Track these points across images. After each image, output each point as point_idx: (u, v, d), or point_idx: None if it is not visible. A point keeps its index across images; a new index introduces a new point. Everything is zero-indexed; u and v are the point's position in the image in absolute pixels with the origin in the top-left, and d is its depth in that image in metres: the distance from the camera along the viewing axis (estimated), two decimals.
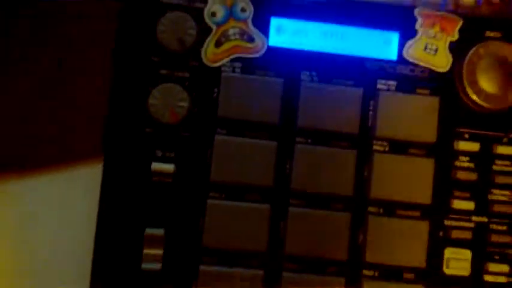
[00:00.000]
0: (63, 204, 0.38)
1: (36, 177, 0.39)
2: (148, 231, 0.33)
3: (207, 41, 0.34)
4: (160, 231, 0.33)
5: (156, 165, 0.34)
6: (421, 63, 0.35)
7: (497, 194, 0.36)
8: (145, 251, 0.33)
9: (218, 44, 0.34)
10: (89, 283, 0.33)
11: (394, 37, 0.35)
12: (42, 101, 0.39)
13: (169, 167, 0.34)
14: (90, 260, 0.33)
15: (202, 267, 0.34)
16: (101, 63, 0.38)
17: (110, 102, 0.34)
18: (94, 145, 0.38)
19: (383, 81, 0.35)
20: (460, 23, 0.36)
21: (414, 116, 0.35)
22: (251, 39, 0.35)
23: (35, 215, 0.38)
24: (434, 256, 0.35)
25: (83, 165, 0.38)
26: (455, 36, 0.36)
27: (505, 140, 0.36)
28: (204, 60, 0.34)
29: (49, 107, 0.39)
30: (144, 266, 0.33)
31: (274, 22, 0.35)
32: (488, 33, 0.36)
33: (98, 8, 0.39)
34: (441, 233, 0.35)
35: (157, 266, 0.33)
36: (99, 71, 0.38)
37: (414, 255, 0.35)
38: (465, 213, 0.35)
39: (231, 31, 0.34)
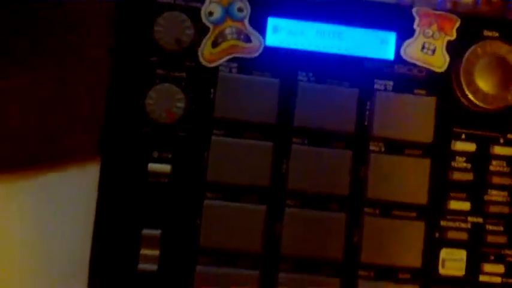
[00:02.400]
0: (61, 204, 0.38)
1: (32, 176, 0.39)
2: (145, 231, 0.34)
3: (204, 40, 0.34)
4: (157, 232, 0.34)
5: (152, 166, 0.34)
6: (419, 63, 0.35)
7: (493, 195, 0.36)
8: (142, 251, 0.33)
9: (215, 44, 0.34)
10: (87, 283, 0.34)
11: (391, 37, 0.35)
12: (40, 100, 0.39)
13: (165, 168, 0.34)
14: (87, 260, 0.34)
15: (198, 268, 0.34)
16: (98, 62, 0.38)
17: (107, 102, 0.34)
18: (91, 145, 0.38)
19: (380, 81, 0.35)
20: (458, 22, 0.36)
21: (411, 116, 0.35)
22: (248, 39, 0.35)
23: (33, 213, 0.39)
24: (430, 256, 0.35)
25: (79, 165, 0.38)
26: (453, 36, 0.36)
27: (501, 140, 0.36)
28: (201, 60, 0.34)
29: (46, 106, 0.39)
30: (141, 266, 0.33)
31: (271, 22, 0.35)
32: (486, 33, 0.36)
33: (96, 7, 0.39)
34: (437, 234, 0.35)
35: (153, 266, 0.33)
36: (96, 70, 0.38)
37: (410, 255, 0.35)
38: (461, 214, 0.36)
39: (227, 31, 0.34)
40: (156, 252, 0.34)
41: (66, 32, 0.39)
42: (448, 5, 0.38)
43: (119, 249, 0.34)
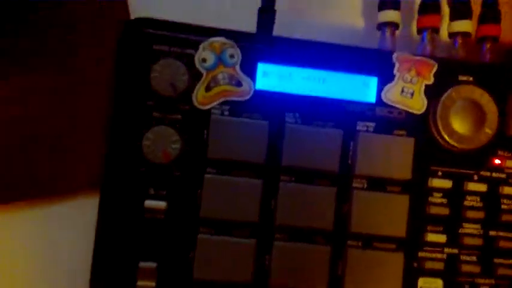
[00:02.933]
0: (59, 238, 0.40)
1: (31, 208, 0.40)
2: (142, 264, 0.35)
3: (198, 85, 0.36)
4: (153, 265, 0.35)
5: (149, 203, 0.36)
6: (399, 106, 0.38)
7: (468, 228, 0.38)
8: (139, 282, 0.35)
9: (208, 88, 0.36)
10: None
11: (373, 81, 0.38)
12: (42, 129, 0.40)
13: (161, 204, 0.36)
14: None
15: None
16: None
17: (108, 142, 0.36)
18: (89, 180, 0.40)
19: (362, 123, 0.37)
20: (435, 67, 0.38)
21: (391, 155, 0.37)
22: (239, 84, 0.37)
23: (30, 247, 0.40)
24: (409, 285, 0.37)
25: (77, 198, 0.40)
26: (431, 80, 0.38)
27: (475, 177, 0.38)
28: (195, 104, 0.36)
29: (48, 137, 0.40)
30: None
31: (261, 67, 0.37)
32: (461, 77, 0.38)
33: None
34: (415, 264, 0.38)
35: None
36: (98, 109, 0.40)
37: (390, 284, 0.37)
38: (438, 246, 0.38)
39: (220, 76, 0.36)
40: (153, 284, 0.35)
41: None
42: (428, 49, 0.41)
43: (117, 281, 0.35)
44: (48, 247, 0.40)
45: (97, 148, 0.39)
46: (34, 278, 0.40)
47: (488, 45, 0.41)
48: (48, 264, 0.40)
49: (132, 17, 0.41)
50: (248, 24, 0.38)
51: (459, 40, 0.41)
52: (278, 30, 0.38)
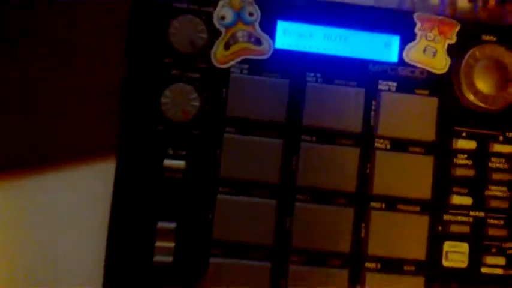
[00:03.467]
0: (77, 199, 0.39)
1: (47, 173, 0.40)
2: (161, 224, 0.35)
3: (217, 43, 0.36)
4: (172, 225, 0.35)
5: (167, 162, 0.35)
6: (421, 66, 0.37)
7: (494, 190, 0.37)
8: (158, 243, 0.35)
9: (227, 46, 0.36)
10: (103, 276, 0.35)
11: (394, 40, 0.37)
12: (53, 95, 0.40)
13: (180, 164, 0.35)
14: (103, 253, 0.35)
15: (212, 260, 0.35)
16: (112, 60, 0.39)
17: (122, 101, 0.36)
18: (106, 142, 0.39)
19: (384, 82, 0.37)
20: (458, 27, 0.38)
21: (414, 115, 0.36)
22: (258, 42, 0.36)
23: (47, 210, 0.40)
24: (434, 249, 0.36)
25: (95, 161, 0.39)
26: (453, 40, 0.37)
27: (501, 138, 0.37)
28: (214, 62, 0.36)
29: (59, 102, 0.40)
30: (156, 258, 0.34)
31: (281, 25, 0.36)
32: (484, 37, 0.38)
33: (108, 4, 0.40)
34: (440, 228, 0.37)
35: (168, 258, 0.34)
36: (110, 68, 0.39)
37: (415, 248, 0.36)
38: (463, 208, 0.37)
39: (239, 34, 0.36)
40: (172, 245, 0.35)
41: (79, 28, 0.40)
42: (448, 11, 0.40)
43: (135, 241, 0.35)
44: (67, 211, 0.39)
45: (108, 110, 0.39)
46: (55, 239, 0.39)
47: (509, 7, 0.40)
48: (69, 224, 0.39)
49: None
50: None
51: (479, 3, 0.40)
52: None
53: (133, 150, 0.35)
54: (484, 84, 0.37)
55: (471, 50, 0.37)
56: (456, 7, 0.40)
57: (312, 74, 0.37)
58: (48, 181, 0.39)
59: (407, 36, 0.37)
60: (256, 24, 0.36)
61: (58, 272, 0.39)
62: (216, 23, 0.36)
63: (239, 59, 0.36)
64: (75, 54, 0.40)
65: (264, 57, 0.36)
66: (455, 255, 0.36)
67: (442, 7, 0.40)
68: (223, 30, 0.36)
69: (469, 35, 0.38)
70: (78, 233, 0.39)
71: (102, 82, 0.40)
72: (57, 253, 0.39)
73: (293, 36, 0.37)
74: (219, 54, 0.36)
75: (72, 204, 0.40)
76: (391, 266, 0.36)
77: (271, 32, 0.36)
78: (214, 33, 0.36)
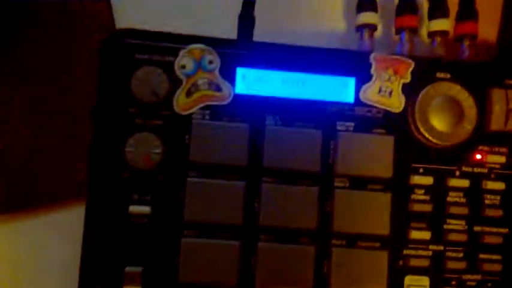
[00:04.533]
0: (44, 247, 0.41)
1: (16, 220, 0.41)
2: (128, 269, 0.36)
3: (178, 91, 0.37)
4: (138, 269, 0.36)
5: (133, 208, 0.36)
6: (377, 105, 0.38)
7: (452, 224, 0.38)
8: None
9: (188, 93, 0.37)
10: None
11: (350, 82, 0.38)
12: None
13: (145, 209, 0.36)
14: None
15: None
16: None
17: (91, 151, 0.37)
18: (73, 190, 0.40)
19: (341, 123, 0.38)
20: (412, 65, 0.38)
21: (371, 153, 0.37)
22: (219, 89, 0.37)
23: (15, 257, 0.40)
24: (395, 284, 0.37)
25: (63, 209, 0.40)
26: (408, 78, 0.38)
27: (457, 173, 0.38)
28: (176, 109, 0.37)
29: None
30: None
31: (240, 71, 0.37)
32: (439, 75, 0.39)
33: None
34: (401, 262, 0.38)
35: None
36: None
37: (376, 283, 0.37)
38: (422, 243, 0.38)
39: (200, 82, 0.37)
40: None
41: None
42: (406, 48, 0.41)
43: (104, 286, 0.36)
44: (38, 256, 0.40)
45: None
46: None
47: (467, 43, 0.41)
48: (37, 272, 0.40)
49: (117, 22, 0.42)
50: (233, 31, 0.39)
51: (437, 39, 0.41)
52: (260, 36, 0.39)
53: (100, 197, 0.36)
54: (438, 122, 0.38)
55: (425, 88, 0.38)
56: (415, 44, 0.41)
57: (271, 117, 0.37)
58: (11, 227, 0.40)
59: (364, 77, 0.38)
60: (216, 72, 0.37)
61: None
62: (177, 72, 0.37)
63: (200, 105, 0.37)
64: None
65: (225, 102, 0.37)
66: None
67: (401, 45, 0.41)
68: (184, 78, 0.37)
69: (424, 73, 0.38)
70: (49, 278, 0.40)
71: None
72: None
73: (252, 81, 0.38)
74: (180, 102, 0.37)
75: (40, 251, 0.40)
76: None
77: (231, 79, 0.37)
78: (176, 82, 0.37)
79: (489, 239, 0.38)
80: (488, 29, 0.45)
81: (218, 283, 0.36)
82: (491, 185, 0.38)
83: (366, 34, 0.41)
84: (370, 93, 0.38)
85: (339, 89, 0.38)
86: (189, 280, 0.36)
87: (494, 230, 0.38)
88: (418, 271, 0.38)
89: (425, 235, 0.38)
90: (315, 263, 0.37)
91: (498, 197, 0.38)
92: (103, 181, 0.36)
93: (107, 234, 0.36)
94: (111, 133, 0.37)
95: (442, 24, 0.41)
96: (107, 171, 0.37)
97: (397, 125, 0.38)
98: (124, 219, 0.36)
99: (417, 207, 0.38)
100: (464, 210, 0.38)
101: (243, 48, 0.38)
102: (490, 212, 0.38)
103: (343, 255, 0.37)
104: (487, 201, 0.38)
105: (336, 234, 0.37)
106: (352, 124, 0.38)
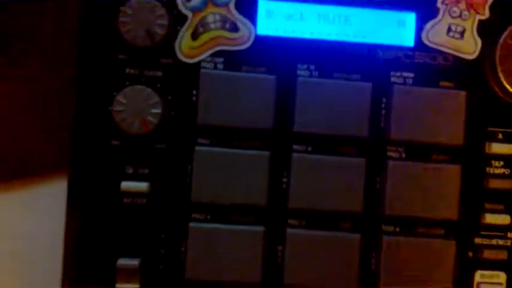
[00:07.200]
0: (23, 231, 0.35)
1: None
2: (121, 261, 0.30)
3: (182, 32, 0.31)
4: (134, 262, 0.30)
5: (126, 185, 0.31)
6: (444, 50, 0.32)
7: None
8: (119, 285, 0.30)
9: (195, 35, 0.31)
10: None
11: (409, 18, 0.32)
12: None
13: (142, 186, 0.31)
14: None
15: None
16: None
17: (75, 111, 0.31)
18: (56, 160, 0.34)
19: (397, 73, 0.32)
20: None
21: (436, 114, 0.32)
22: (235, 28, 0.31)
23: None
24: (463, 281, 0.32)
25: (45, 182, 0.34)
26: (486, 15, 0.32)
27: None
28: (179, 56, 0.31)
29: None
30: None
31: (263, 5, 0.32)
32: None
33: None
34: (470, 253, 0.33)
35: None
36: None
37: (439, 279, 0.31)
38: (499, 229, 0.33)
39: (210, 19, 0.31)
40: (136, 286, 0.30)
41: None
42: None
43: (92, 282, 0.30)
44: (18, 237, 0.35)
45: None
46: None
47: None
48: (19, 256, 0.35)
49: None
50: None
51: None
52: None
53: (85, 171, 0.31)
54: None
55: (509, 28, 0.31)
56: None
57: (305, 67, 0.32)
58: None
59: (427, 13, 0.32)
60: (232, 6, 0.31)
61: None
62: (180, 5, 0.31)
63: (211, 50, 0.31)
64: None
65: (243, 47, 0.32)
66: (490, 287, 0.32)
67: None
68: (189, 14, 0.31)
69: (506, 7, 0.32)
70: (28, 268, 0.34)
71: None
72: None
73: (279, 18, 0.32)
74: (185, 46, 0.31)
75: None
76: None
77: (251, 15, 0.32)
78: (178, 19, 0.31)
79: None
80: None
81: (236, 281, 0.30)
82: None
83: None
84: (436, 34, 0.32)
85: (394, 28, 0.32)
86: (198, 277, 0.30)
87: None
88: (493, 265, 0.32)
89: (504, 219, 0.32)
90: (361, 254, 0.31)
91: None
92: (88, 151, 0.31)
93: (94, 217, 0.31)
94: (95, 87, 0.30)
95: None
96: (91, 137, 0.31)
97: (471, 77, 0.32)
98: (115, 198, 0.31)
99: (494, 184, 0.32)
100: None
101: None
102: None
103: (396, 244, 0.31)
104: None
105: (388, 218, 0.32)
106: (411, 75, 0.32)
